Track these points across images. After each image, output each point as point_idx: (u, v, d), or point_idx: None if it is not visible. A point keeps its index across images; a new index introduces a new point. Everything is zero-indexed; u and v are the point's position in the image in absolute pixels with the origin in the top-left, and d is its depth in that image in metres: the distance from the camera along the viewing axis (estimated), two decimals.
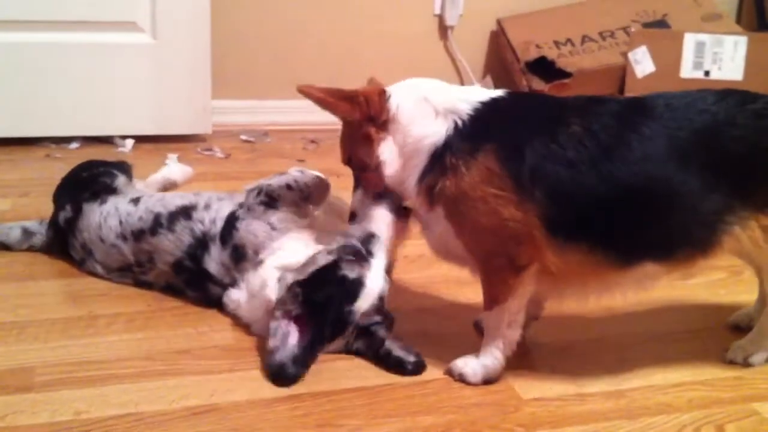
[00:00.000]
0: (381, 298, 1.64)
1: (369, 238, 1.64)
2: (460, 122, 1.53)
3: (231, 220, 1.79)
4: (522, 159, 1.46)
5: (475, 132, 1.52)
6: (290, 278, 1.62)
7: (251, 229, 1.75)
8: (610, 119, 1.50)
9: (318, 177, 1.82)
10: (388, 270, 1.68)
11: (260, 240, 1.74)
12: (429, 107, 1.56)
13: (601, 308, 1.89)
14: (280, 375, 1.54)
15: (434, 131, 1.54)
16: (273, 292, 1.64)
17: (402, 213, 1.67)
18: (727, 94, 1.55)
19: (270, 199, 1.78)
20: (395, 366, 1.61)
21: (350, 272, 1.60)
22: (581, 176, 1.45)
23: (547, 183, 1.45)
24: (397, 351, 1.62)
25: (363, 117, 1.58)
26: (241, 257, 1.75)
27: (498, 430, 1.45)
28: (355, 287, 1.60)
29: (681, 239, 1.50)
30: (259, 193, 1.79)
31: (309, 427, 1.43)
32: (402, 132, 1.57)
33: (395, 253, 1.77)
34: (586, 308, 1.88)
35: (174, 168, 2.48)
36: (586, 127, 1.48)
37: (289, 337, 1.57)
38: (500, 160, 1.48)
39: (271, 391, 1.52)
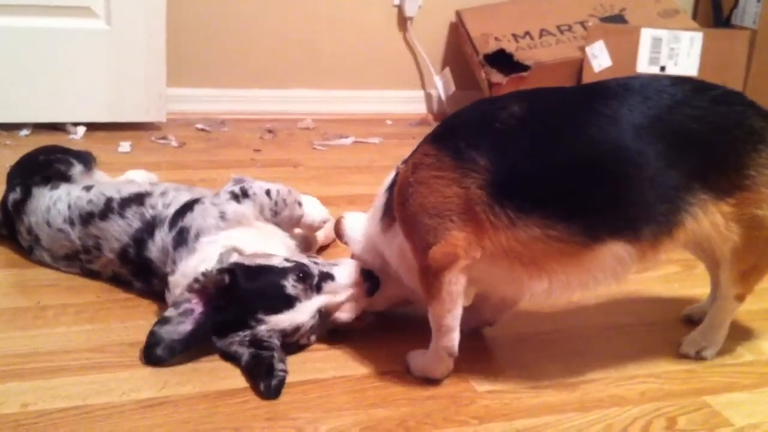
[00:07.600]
0: (294, 332, 1.57)
1: (327, 276, 1.61)
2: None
3: (191, 204, 1.75)
4: (458, 136, 1.47)
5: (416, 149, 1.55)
6: (233, 258, 1.60)
7: (204, 211, 1.71)
8: (555, 101, 1.52)
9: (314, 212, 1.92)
10: (325, 316, 1.61)
11: (207, 225, 1.69)
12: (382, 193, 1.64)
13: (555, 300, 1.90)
14: (149, 353, 1.52)
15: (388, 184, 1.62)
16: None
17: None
18: (683, 79, 1.56)
19: (241, 193, 1.75)
20: (263, 371, 1.50)
21: (291, 288, 1.56)
22: (527, 144, 1.44)
23: (490, 151, 1.43)
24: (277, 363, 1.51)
25: None
26: (181, 241, 1.69)
27: (452, 422, 1.45)
28: (281, 302, 1.55)
29: (643, 214, 1.45)
30: (236, 183, 1.77)
31: (261, 420, 1.41)
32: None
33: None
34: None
35: (140, 174, 2.43)
36: (530, 108, 1.48)
37: (186, 319, 1.52)
38: (435, 143, 1.49)
39: (222, 383, 1.51)
